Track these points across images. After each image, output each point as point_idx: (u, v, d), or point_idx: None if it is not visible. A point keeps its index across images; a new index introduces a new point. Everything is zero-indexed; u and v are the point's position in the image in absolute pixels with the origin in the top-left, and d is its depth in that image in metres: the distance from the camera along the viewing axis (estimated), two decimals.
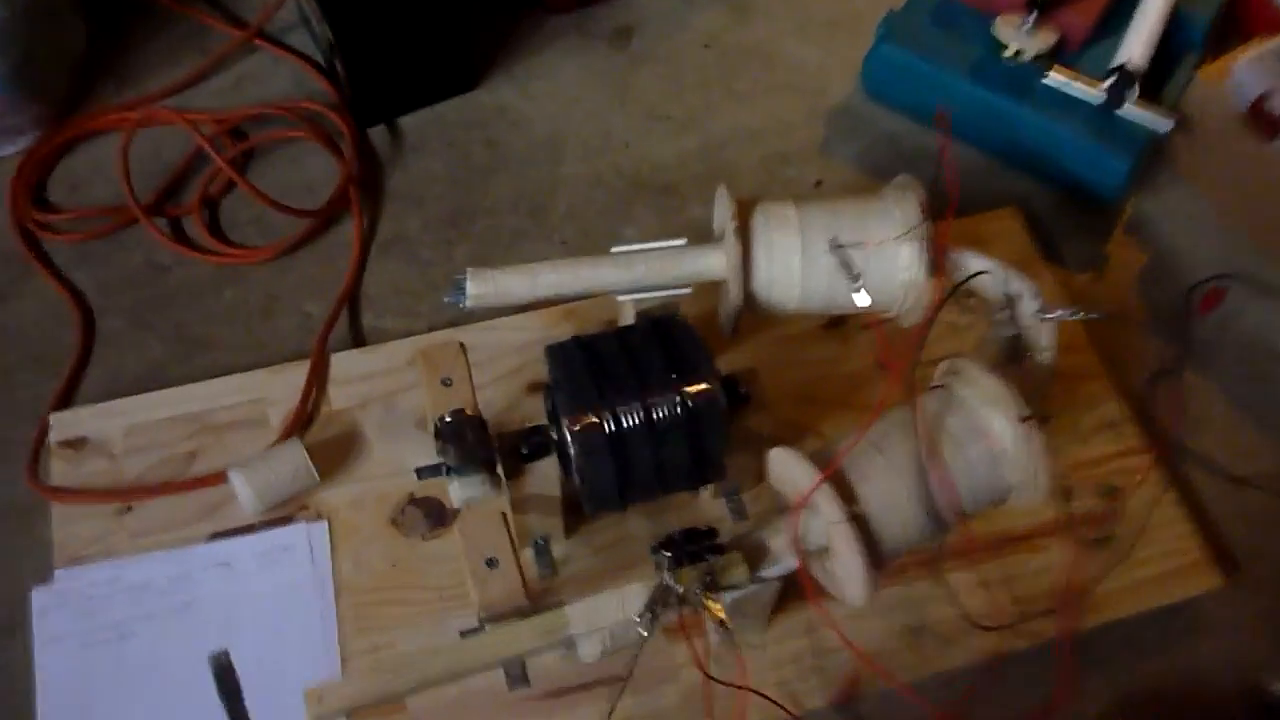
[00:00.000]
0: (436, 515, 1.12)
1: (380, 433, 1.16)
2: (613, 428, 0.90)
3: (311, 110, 1.40)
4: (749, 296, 1.03)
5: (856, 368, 1.22)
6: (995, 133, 1.37)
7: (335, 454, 1.14)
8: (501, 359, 1.21)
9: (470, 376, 1.03)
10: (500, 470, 0.95)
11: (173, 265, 1.27)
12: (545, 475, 0.98)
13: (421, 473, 1.10)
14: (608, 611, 0.86)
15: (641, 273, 1.04)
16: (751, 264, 1.02)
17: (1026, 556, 1.10)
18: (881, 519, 0.89)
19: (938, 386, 0.95)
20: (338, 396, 1.18)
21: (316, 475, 1.11)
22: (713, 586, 0.85)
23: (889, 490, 0.90)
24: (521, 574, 0.92)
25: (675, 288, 1.04)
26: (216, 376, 1.18)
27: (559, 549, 1.10)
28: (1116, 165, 1.32)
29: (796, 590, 1.02)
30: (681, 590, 0.85)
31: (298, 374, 1.18)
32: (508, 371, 1.20)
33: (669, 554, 0.83)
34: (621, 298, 1.05)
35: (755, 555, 0.89)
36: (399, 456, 1.15)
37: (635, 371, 0.92)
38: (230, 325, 1.23)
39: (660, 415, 0.91)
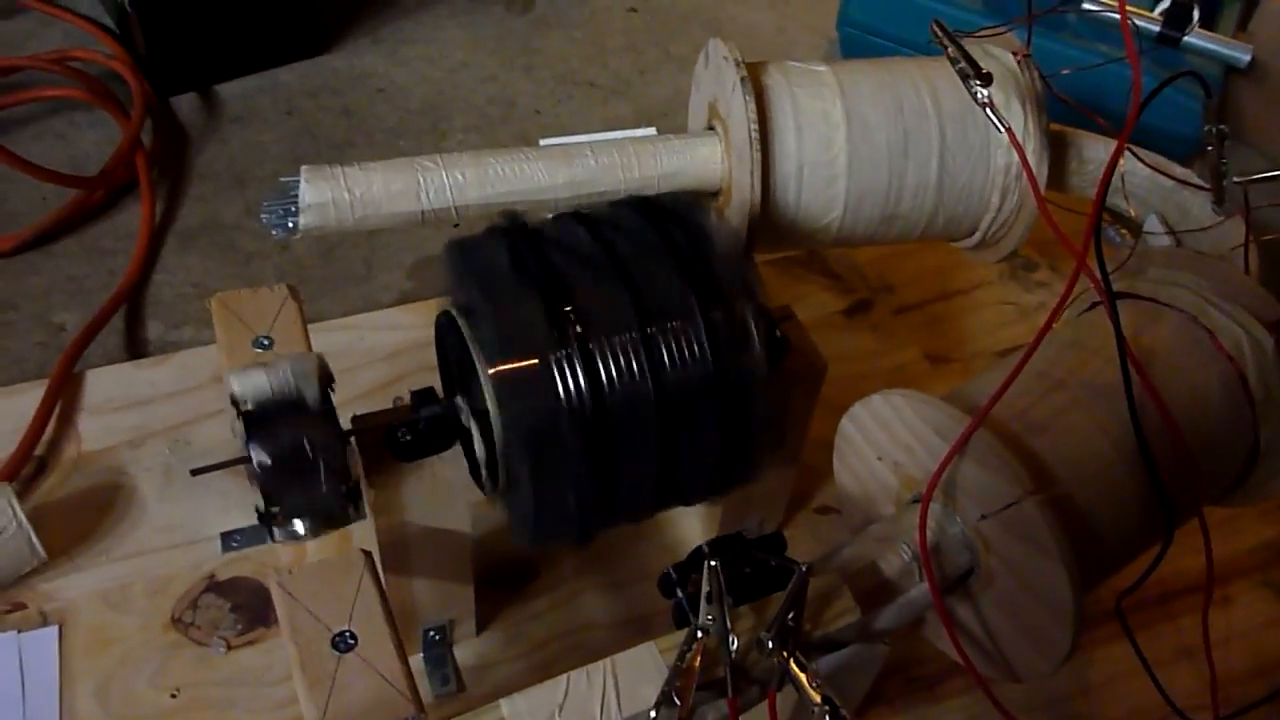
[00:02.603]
0: (253, 609, 0.66)
1: (164, 483, 0.71)
2: (579, 380, 0.48)
3: (92, 65, 0.98)
4: (766, 200, 0.64)
5: (900, 362, 0.83)
6: None
7: (81, 518, 0.68)
8: (364, 372, 0.78)
9: (306, 334, 0.60)
10: (358, 476, 0.51)
11: None
12: (441, 490, 0.54)
13: (232, 540, 0.65)
14: (584, 704, 0.41)
15: (588, 172, 0.64)
16: (771, 142, 0.63)
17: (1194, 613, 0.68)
18: (1086, 496, 0.48)
19: (1125, 294, 0.56)
20: (93, 431, 0.73)
21: (41, 551, 0.64)
22: (798, 642, 0.42)
23: (1087, 446, 0.49)
24: (404, 663, 0.47)
25: None
26: None
27: (468, 647, 0.65)
28: (1187, 105, 0.99)
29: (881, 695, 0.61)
30: (736, 648, 0.41)
31: (26, 400, 0.72)
32: (373, 387, 0.77)
33: (718, 570, 0.40)
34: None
35: (862, 584, 0.47)
36: (192, 518, 0.69)
37: (620, 282, 0.51)
38: None
39: (672, 354, 0.50)
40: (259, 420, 0.48)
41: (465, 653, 0.65)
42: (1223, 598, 0.72)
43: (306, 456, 0.46)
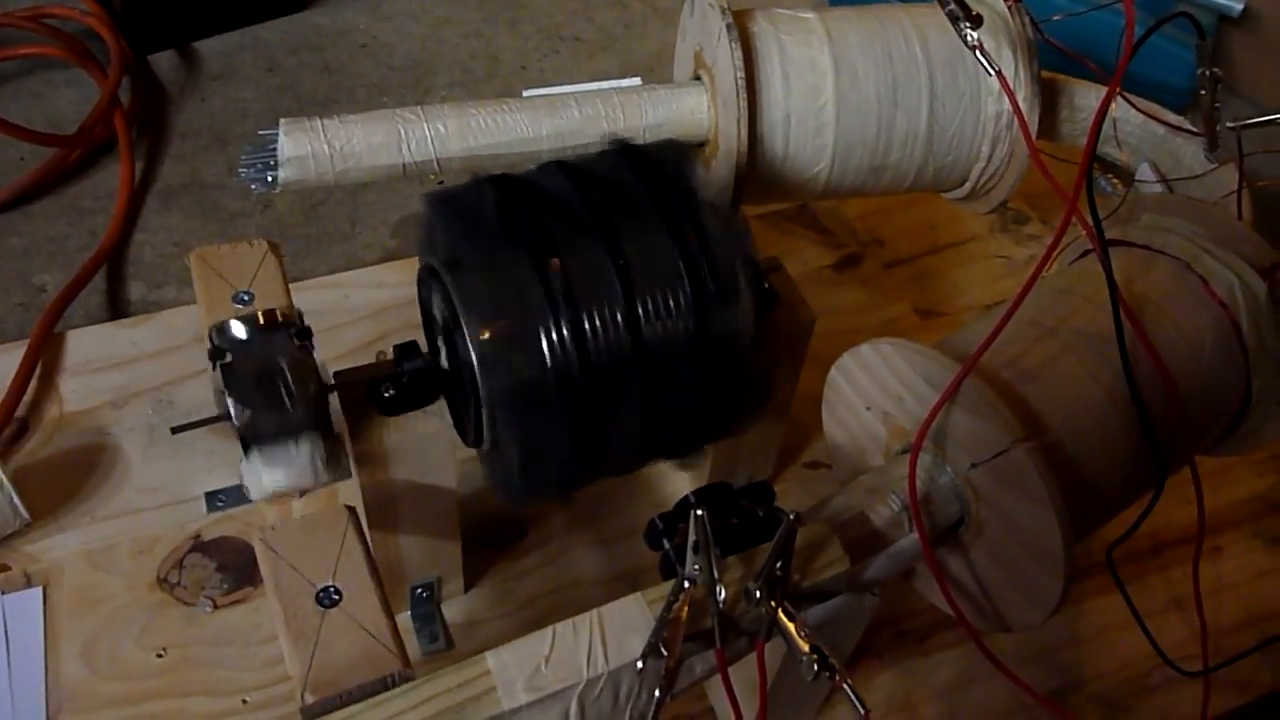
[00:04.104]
0: (238, 568, 0.65)
1: (148, 443, 0.70)
2: (564, 335, 0.47)
3: (69, 23, 0.96)
4: (753, 150, 0.63)
5: (890, 316, 0.83)
6: None
7: (64, 479, 0.68)
8: (349, 330, 0.77)
9: (287, 289, 0.59)
10: (343, 431, 0.51)
11: None
12: (426, 445, 0.53)
13: (217, 499, 0.65)
14: (570, 655, 0.41)
15: (572, 123, 0.63)
16: (758, 90, 0.62)
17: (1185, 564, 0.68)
18: (1078, 444, 0.47)
19: (1116, 242, 0.55)
20: (75, 392, 0.72)
21: (24, 512, 0.64)
22: (786, 592, 0.41)
23: (1078, 393, 0.48)
24: (389, 618, 0.47)
25: None
26: None
27: (456, 605, 0.65)
28: (1180, 56, 0.98)
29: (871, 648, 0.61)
30: (724, 598, 0.40)
31: (5, 361, 0.72)
32: (358, 345, 0.76)
33: (705, 520, 0.39)
34: None
35: (851, 534, 0.46)
36: (177, 478, 0.69)
37: (605, 235, 0.50)
38: None
39: (658, 306, 0.49)
40: (237, 370, 0.47)
41: (453, 610, 0.65)
42: (1213, 549, 0.72)
43: (285, 406, 0.45)
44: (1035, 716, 0.63)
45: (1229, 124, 0.61)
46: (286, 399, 0.46)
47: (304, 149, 0.60)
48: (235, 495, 0.68)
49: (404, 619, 0.63)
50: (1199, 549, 0.56)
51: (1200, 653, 0.61)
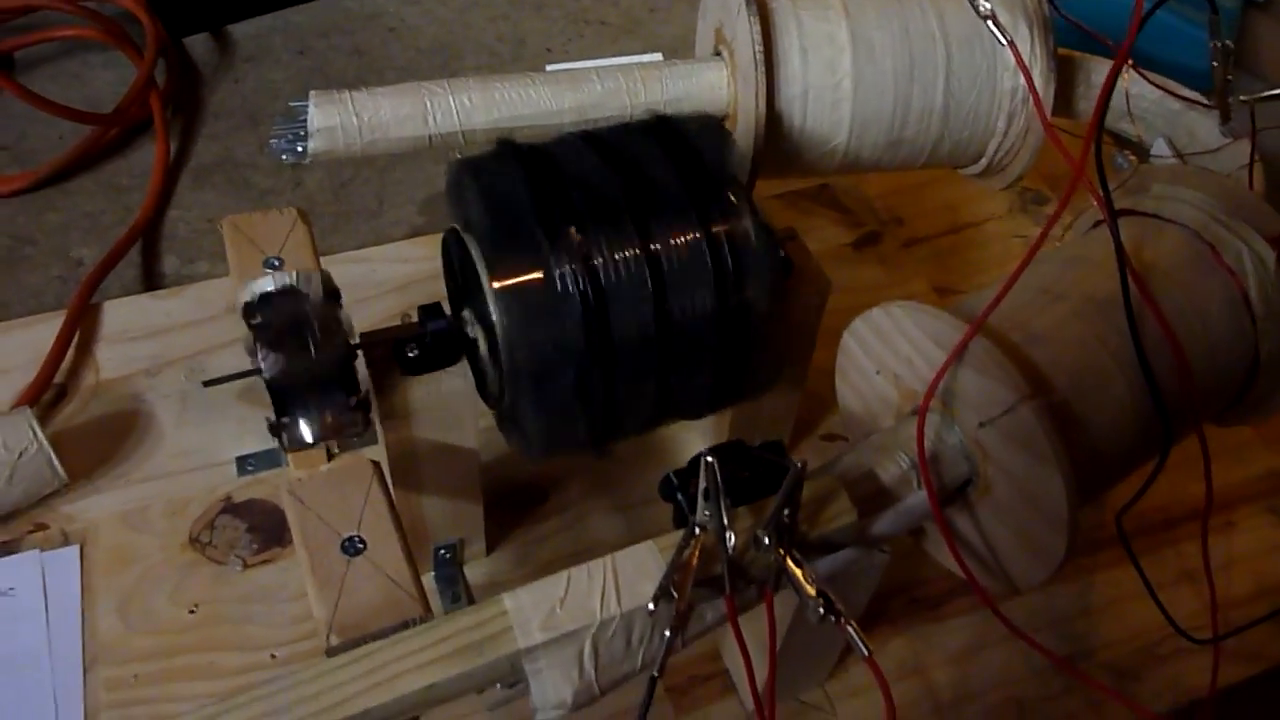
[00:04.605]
0: (267, 529, 0.67)
1: (181, 409, 0.72)
2: (584, 287, 0.49)
3: (105, 6, 0.99)
4: (771, 124, 0.64)
5: (908, 293, 0.84)
6: None
7: (100, 442, 0.70)
8: (376, 303, 0.79)
9: (316, 254, 0.61)
10: (368, 391, 0.53)
11: None
12: (448, 403, 0.55)
13: (247, 464, 0.67)
14: (585, 598, 0.42)
15: (594, 96, 0.64)
16: (776, 65, 0.63)
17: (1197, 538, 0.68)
18: (1084, 404, 0.48)
19: (1126, 211, 0.56)
20: (111, 360, 0.74)
21: (62, 472, 0.66)
22: (795, 540, 0.43)
23: (1086, 356, 0.49)
24: (412, 567, 0.48)
25: None
26: None
27: (479, 567, 0.67)
28: (1197, 38, 0.98)
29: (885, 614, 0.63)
30: (736, 544, 0.42)
31: (44, 330, 0.74)
32: (384, 318, 0.78)
33: (715, 467, 0.41)
34: None
35: (859, 491, 0.47)
36: (209, 443, 0.71)
37: (625, 200, 0.51)
38: None
39: (675, 268, 0.50)
40: (267, 327, 0.49)
41: (475, 572, 0.66)
42: (1226, 523, 0.73)
43: (313, 360, 0.47)
44: (1046, 681, 0.64)
45: (1242, 98, 0.62)
46: (313, 347, 0.47)
47: (333, 120, 0.62)
48: (265, 459, 0.70)
49: (428, 580, 0.64)
50: (1207, 514, 0.57)
51: (1210, 624, 0.62)
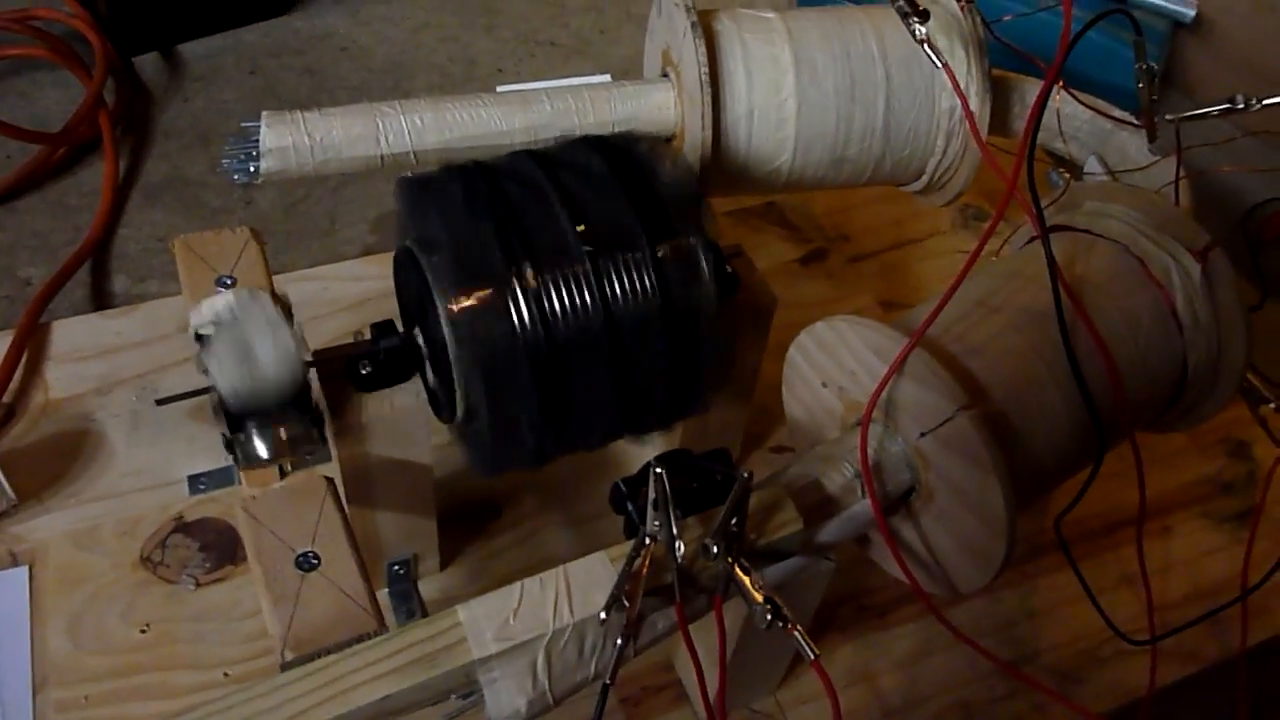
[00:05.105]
0: (220, 548, 0.67)
1: (132, 428, 0.72)
2: (532, 309, 0.50)
3: (54, 24, 0.99)
4: (717, 143, 0.65)
5: (855, 308, 0.86)
6: None
7: (50, 462, 0.70)
8: (328, 320, 0.79)
9: (269, 273, 0.61)
10: (321, 406, 0.53)
11: None
12: (402, 419, 0.56)
13: (199, 482, 0.67)
14: (538, 608, 0.43)
15: (544, 117, 0.65)
16: (722, 85, 0.65)
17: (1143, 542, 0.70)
18: (1021, 413, 0.50)
19: (1059, 227, 0.58)
20: (61, 379, 0.74)
21: (11, 493, 0.66)
22: (744, 549, 0.44)
23: (1021, 367, 0.51)
24: (366, 582, 0.49)
25: None
26: None
27: (433, 583, 0.67)
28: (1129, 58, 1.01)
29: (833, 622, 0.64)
30: (685, 553, 0.43)
31: None
32: (338, 336, 0.78)
33: (664, 477, 0.42)
34: None
35: (805, 500, 0.49)
36: (160, 462, 0.71)
37: (572, 215, 0.52)
38: None
39: (623, 284, 0.51)
40: (219, 339, 0.49)
41: (430, 588, 0.67)
42: (1163, 528, 0.75)
43: (266, 376, 0.48)
44: (991, 685, 0.66)
45: (1168, 117, 0.64)
46: (266, 364, 0.48)
47: (285, 140, 0.62)
48: (217, 478, 0.70)
49: (382, 596, 0.64)
50: (1141, 518, 0.59)
51: (1148, 626, 0.64)
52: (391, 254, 0.85)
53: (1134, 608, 0.69)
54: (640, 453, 0.73)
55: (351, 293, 0.81)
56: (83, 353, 0.76)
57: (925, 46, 0.56)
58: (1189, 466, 0.79)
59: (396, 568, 0.65)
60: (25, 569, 0.65)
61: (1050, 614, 0.70)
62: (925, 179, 0.70)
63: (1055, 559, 0.70)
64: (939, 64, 0.56)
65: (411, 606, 0.65)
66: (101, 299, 0.82)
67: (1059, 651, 0.68)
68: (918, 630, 0.68)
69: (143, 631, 0.63)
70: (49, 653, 0.62)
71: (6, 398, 0.72)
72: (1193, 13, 1.04)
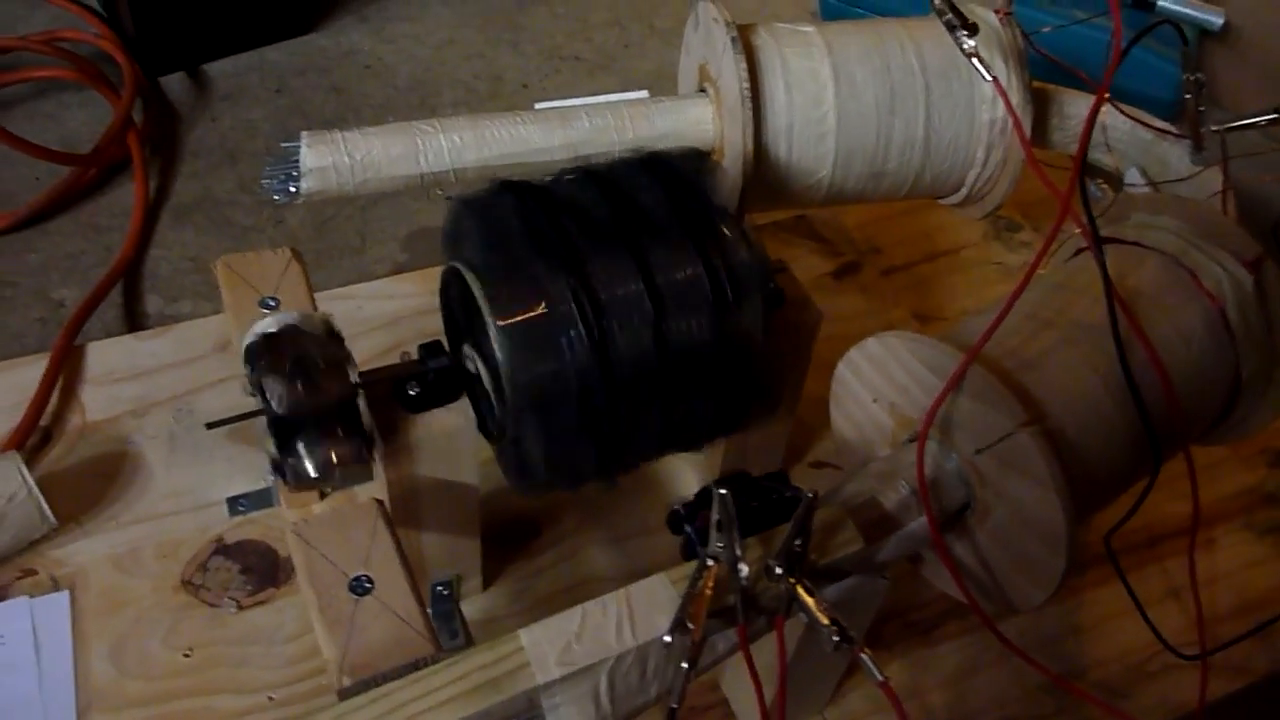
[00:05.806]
0: (261, 570, 0.67)
1: (169, 450, 0.72)
2: (586, 321, 0.50)
3: (81, 45, 0.99)
4: (756, 160, 0.65)
5: (889, 321, 0.85)
6: None
7: (89, 485, 0.69)
8: (362, 340, 0.79)
9: (311, 294, 0.61)
10: (371, 426, 0.53)
11: None
12: (450, 441, 0.55)
13: (238, 504, 0.66)
14: (600, 632, 0.43)
15: (583, 133, 0.65)
16: (762, 100, 0.64)
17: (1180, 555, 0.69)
18: (1077, 428, 0.49)
19: (1109, 239, 0.58)
20: (97, 402, 0.74)
21: (52, 516, 0.65)
22: (806, 569, 0.43)
23: (1077, 381, 0.51)
24: (421, 605, 0.48)
25: None
26: None
27: (475, 603, 0.67)
28: (1164, 69, 1.01)
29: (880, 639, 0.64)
30: (748, 574, 0.42)
31: (28, 373, 0.73)
32: (372, 355, 0.77)
33: (729, 499, 0.41)
34: None
35: (863, 517, 0.48)
36: (199, 484, 0.70)
37: (624, 236, 0.52)
38: None
39: (676, 309, 0.51)
40: (273, 360, 0.49)
41: (471, 608, 0.66)
42: (1207, 540, 0.74)
43: (319, 397, 0.47)
44: (1038, 701, 0.65)
45: (1213, 127, 0.64)
46: (319, 384, 0.48)
47: (326, 160, 0.62)
48: (256, 500, 0.70)
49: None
50: (1194, 532, 0.59)
51: (1197, 639, 0.63)
52: (422, 271, 0.85)
53: (1180, 621, 0.69)
54: (680, 470, 0.72)
55: (385, 311, 0.81)
56: (118, 374, 0.75)
57: (975, 60, 0.56)
58: (1231, 478, 0.78)
59: (439, 588, 0.64)
60: (66, 594, 0.64)
61: (1095, 629, 0.69)
62: (964, 191, 0.70)
63: (1098, 574, 0.70)
64: (988, 77, 0.55)
65: (454, 627, 0.64)
66: (134, 320, 0.82)
67: (1106, 667, 0.67)
68: (963, 647, 0.67)
69: (186, 656, 0.63)
70: (92, 678, 0.61)
71: (44, 421, 0.72)
72: (1221, 21, 1.04)
